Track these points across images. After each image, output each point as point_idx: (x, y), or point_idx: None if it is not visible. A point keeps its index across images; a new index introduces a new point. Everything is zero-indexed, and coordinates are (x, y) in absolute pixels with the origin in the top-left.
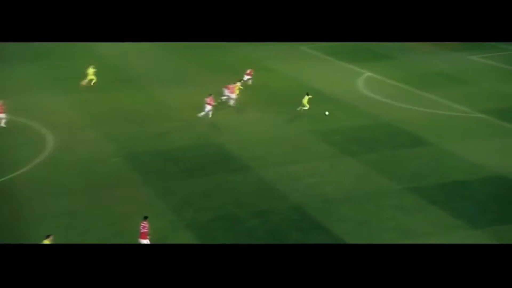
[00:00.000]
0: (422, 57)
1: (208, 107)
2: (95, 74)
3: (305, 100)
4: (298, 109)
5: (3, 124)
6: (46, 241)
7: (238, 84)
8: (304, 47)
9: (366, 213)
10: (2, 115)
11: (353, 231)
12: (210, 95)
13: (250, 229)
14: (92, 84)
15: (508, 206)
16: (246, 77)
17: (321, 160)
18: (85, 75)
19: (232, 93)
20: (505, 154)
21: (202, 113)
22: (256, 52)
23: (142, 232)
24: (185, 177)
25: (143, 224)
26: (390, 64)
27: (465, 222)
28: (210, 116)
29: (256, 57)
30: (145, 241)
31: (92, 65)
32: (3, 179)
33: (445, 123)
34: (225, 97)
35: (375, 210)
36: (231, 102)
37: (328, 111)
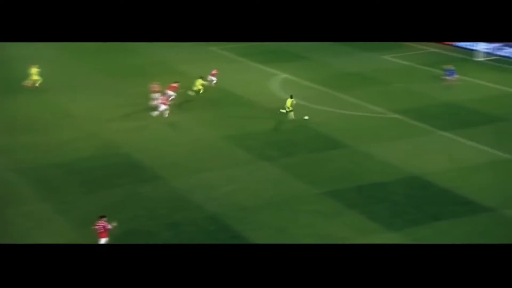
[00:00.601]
0: (337, 57)
1: (162, 107)
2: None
3: (289, 103)
4: (284, 111)
5: None
6: None
7: (200, 80)
8: (215, 48)
9: (284, 220)
10: None
11: (271, 239)
12: (163, 94)
13: (164, 242)
14: (37, 85)
15: (424, 206)
16: (210, 78)
17: (238, 167)
18: (28, 75)
19: (174, 92)
20: (420, 154)
21: (156, 112)
22: (166, 54)
23: (100, 232)
24: (90, 190)
25: (99, 224)
26: (305, 65)
27: (382, 225)
28: (166, 115)
29: (166, 59)
30: (104, 240)
31: (36, 64)
32: None
33: (361, 125)
34: (171, 97)
35: (293, 216)
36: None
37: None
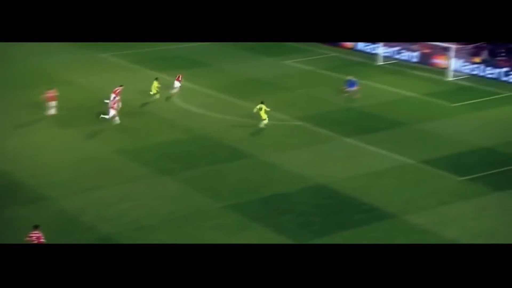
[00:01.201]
0: (236, 63)
1: (112, 112)
2: None
3: (262, 111)
4: (261, 125)
5: None
6: None
7: (156, 83)
8: (105, 55)
9: (186, 237)
10: None
11: None
12: (114, 98)
13: None
14: None
15: (330, 216)
16: (176, 83)
17: (133, 182)
18: None
19: (117, 95)
20: (324, 162)
21: (106, 117)
22: (48, 62)
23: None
24: None
25: (33, 235)
26: (203, 71)
27: (288, 237)
28: (116, 121)
29: (48, 68)
30: None
31: None
32: None
33: (264, 133)
34: (108, 101)
35: (195, 233)
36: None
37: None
